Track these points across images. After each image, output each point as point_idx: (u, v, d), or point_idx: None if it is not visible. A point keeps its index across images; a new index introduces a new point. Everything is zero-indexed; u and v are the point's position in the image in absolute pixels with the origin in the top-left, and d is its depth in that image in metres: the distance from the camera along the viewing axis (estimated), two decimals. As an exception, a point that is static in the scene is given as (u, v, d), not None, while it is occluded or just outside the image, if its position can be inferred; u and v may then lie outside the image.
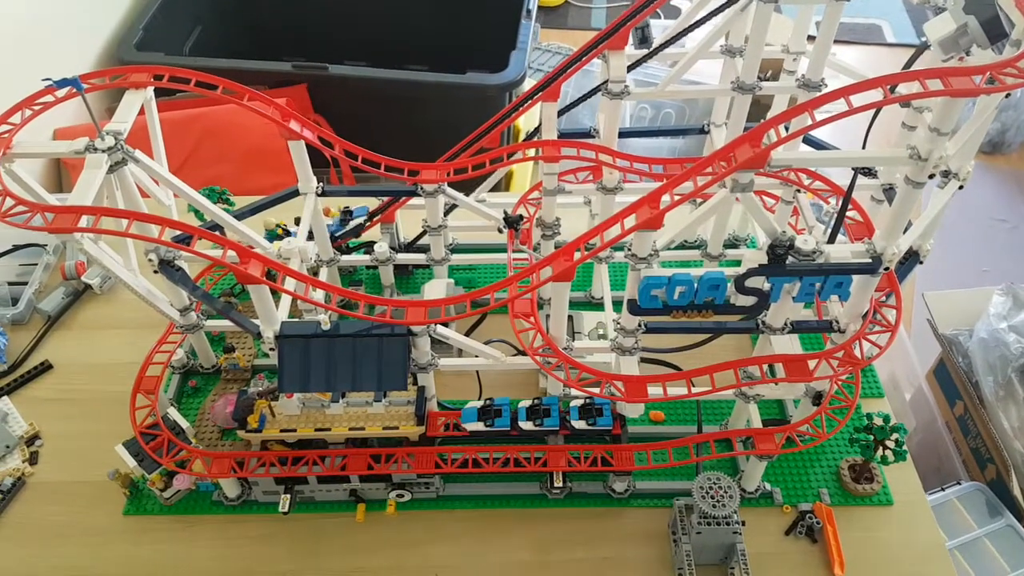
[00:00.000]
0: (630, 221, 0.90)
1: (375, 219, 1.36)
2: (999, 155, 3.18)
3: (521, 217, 1.13)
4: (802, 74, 1.16)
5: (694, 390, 1.00)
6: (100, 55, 2.15)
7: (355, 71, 2.09)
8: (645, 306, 0.95)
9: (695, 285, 0.92)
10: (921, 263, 1.12)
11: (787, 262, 0.90)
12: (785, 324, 1.02)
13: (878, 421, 1.10)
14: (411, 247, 1.40)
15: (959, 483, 1.74)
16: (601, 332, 1.31)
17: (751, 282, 0.92)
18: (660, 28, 3.15)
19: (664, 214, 0.87)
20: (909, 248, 1.10)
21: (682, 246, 1.45)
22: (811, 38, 1.15)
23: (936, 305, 2.05)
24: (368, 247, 1.36)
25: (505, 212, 1.13)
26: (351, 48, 2.59)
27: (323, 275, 1.29)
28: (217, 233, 0.93)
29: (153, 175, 1.02)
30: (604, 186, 1.22)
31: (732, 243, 1.46)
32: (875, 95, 0.80)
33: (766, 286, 0.93)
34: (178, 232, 0.96)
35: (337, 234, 1.35)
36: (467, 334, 1.33)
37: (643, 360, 1.25)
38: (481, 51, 2.40)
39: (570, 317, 1.32)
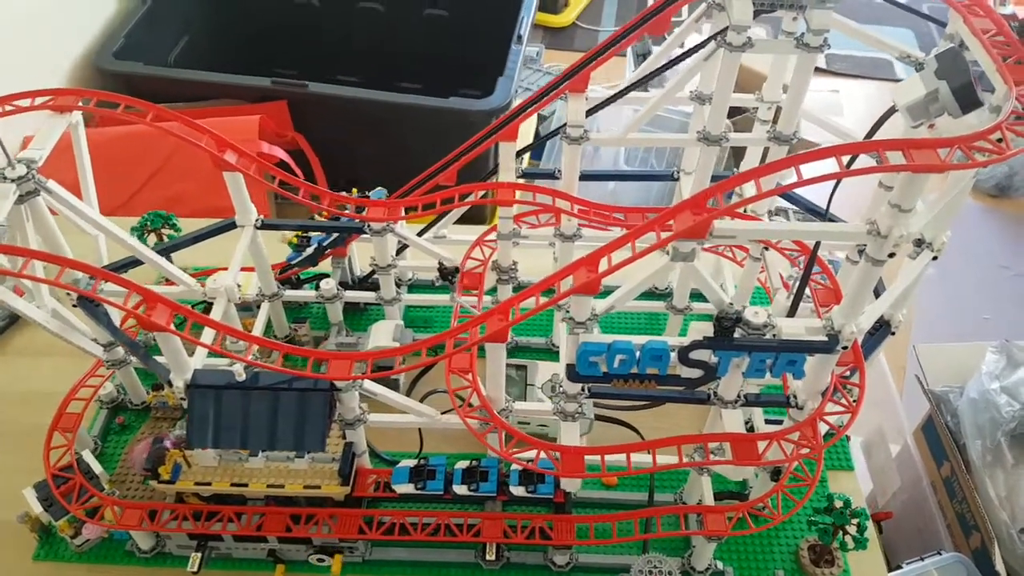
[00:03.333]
0: (567, 283, 0.83)
1: (325, 253, 1.29)
2: (1005, 199, 3.09)
3: (456, 269, 1.06)
4: (772, 127, 1.08)
5: (638, 462, 0.92)
6: (79, 62, 2.10)
7: (335, 90, 2.03)
8: (584, 373, 0.88)
9: (636, 354, 0.85)
10: (893, 334, 1.04)
11: (735, 336, 0.83)
12: (738, 397, 0.95)
13: (838, 504, 1.02)
14: (365, 283, 1.33)
15: (940, 553, 1.65)
16: (555, 384, 1.23)
17: (697, 354, 0.85)
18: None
19: (601, 279, 0.80)
20: (880, 318, 1.02)
21: (648, 295, 1.38)
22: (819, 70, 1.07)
23: (927, 359, 1.96)
24: (320, 280, 1.30)
25: (440, 263, 1.06)
26: (347, 64, 2.53)
27: (264, 311, 1.22)
28: (123, 275, 0.87)
29: (67, 207, 0.96)
30: (562, 233, 1.16)
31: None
32: (830, 165, 0.73)
33: (713, 359, 0.86)
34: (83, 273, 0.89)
35: (293, 262, 1.29)
36: (415, 381, 1.26)
37: (598, 418, 1.18)
38: (478, 74, 2.34)
39: (524, 367, 1.25)
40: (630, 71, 2.95)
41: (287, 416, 0.92)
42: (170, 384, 0.93)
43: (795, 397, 0.96)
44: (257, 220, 1.13)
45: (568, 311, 0.86)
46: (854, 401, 0.94)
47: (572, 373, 0.89)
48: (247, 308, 1.27)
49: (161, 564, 1.08)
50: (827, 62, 3.43)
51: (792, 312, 0.98)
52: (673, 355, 0.85)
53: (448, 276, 1.05)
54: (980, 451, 1.72)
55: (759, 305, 0.85)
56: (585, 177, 1.18)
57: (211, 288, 1.01)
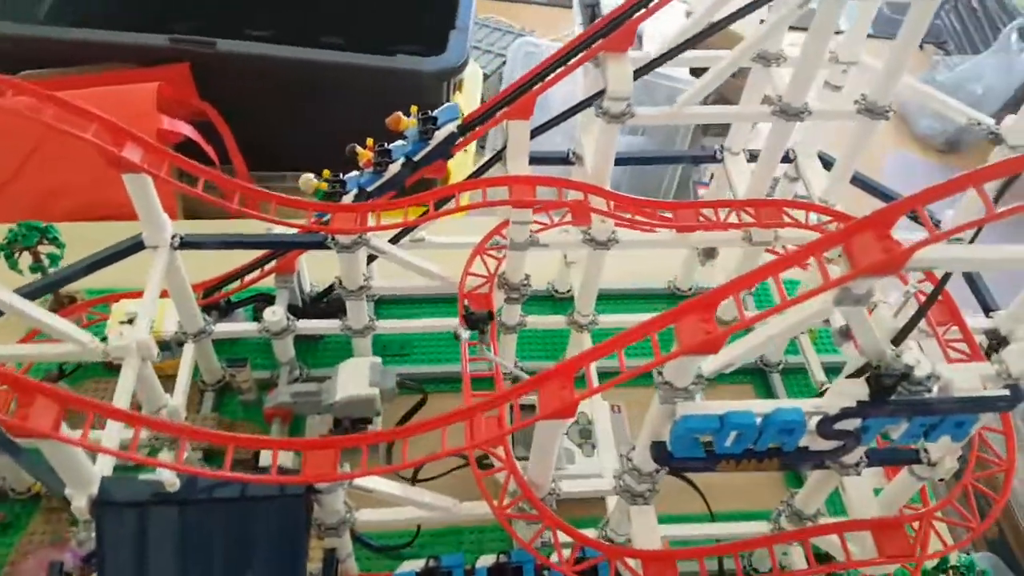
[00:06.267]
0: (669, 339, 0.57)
1: (268, 267, 0.98)
2: None
3: (491, 314, 0.77)
4: (863, 94, 0.84)
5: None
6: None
7: (251, 48, 1.66)
8: (680, 455, 0.62)
9: (758, 428, 0.60)
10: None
11: (894, 396, 0.60)
12: (861, 458, 0.72)
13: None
14: (321, 305, 1.02)
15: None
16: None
17: (845, 423, 0.61)
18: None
19: (726, 337, 0.54)
20: None
21: (668, 298, 1.13)
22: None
23: None
24: (261, 304, 0.99)
25: (467, 308, 0.76)
26: (256, 15, 2.13)
27: (189, 356, 0.91)
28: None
29: None
30: (593, 238, 0.89)
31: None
32: None
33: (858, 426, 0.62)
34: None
35: (416, 158, 0.88)
36: (403, 420, 0.97)
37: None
38: (411, 27, 2.01)
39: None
40: (578, 24, 2.66)
41: (245, 537, 0.63)
42: (67, 503, 0.62)
43: (926, 451, 0.74)
44: (174, 238, 0.81)
45: (662, 373, 0.60)
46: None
47: (661, 454, 0.63)
48: (165, 347, 0.95)
49: None
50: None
51: (900, 338, 0.75)
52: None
53: (480, 324, 0.75)
54: None
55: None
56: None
57: (115, 347, 0.69)
